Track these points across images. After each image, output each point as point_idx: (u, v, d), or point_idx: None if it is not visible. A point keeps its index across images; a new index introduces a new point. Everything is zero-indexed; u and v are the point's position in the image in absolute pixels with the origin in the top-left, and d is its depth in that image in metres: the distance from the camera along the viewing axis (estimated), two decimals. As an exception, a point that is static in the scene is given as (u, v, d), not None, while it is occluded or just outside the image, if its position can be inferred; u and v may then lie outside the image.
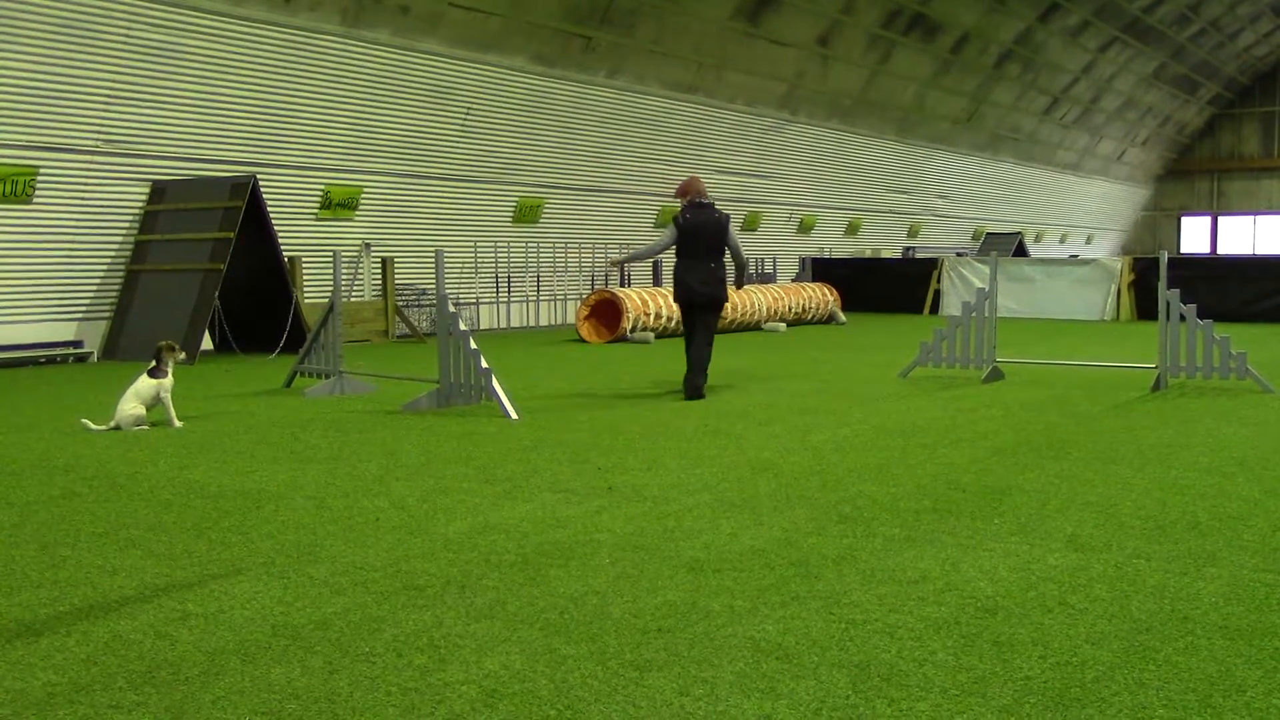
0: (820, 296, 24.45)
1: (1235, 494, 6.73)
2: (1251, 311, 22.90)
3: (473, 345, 10.33)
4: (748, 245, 30.72)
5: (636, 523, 6.06)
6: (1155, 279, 13.37)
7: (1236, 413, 10.24)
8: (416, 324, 20.78)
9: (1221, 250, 52.98)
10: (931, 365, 13.22)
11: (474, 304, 22.77)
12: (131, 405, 9.59)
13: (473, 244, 22.75)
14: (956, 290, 26.44)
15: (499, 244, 23.41)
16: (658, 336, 19.84)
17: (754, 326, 22.38)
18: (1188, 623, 4.39)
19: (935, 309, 27.07)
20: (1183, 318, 12.02)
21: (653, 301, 19.93)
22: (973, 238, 40.78)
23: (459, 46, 21.24)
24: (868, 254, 33.67)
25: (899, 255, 34.75)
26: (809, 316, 24.06)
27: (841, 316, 24.77)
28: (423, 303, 21.56)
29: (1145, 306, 23.97)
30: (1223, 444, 8.57)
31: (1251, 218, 52.78)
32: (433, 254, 21.16)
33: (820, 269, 28.79)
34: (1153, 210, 55.02)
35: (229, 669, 3.97)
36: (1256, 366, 12.20)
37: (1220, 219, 54.10)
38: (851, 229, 34.86)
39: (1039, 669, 3.92)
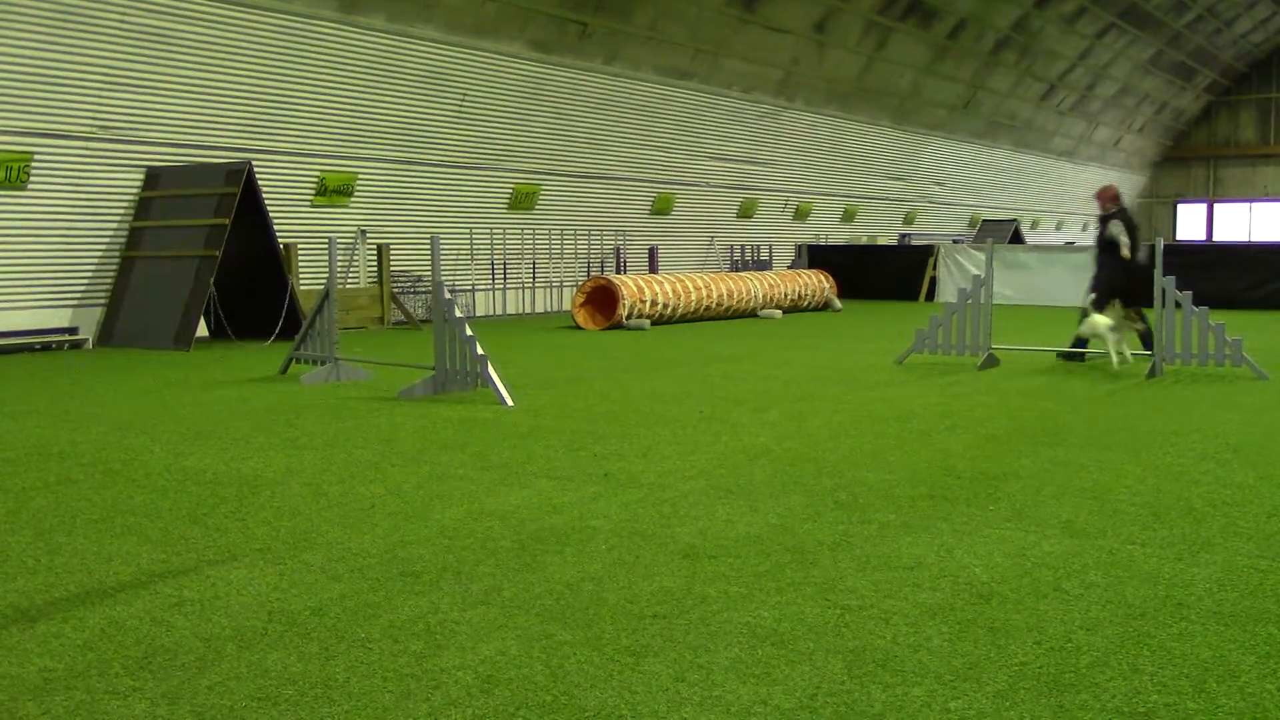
0: (816, 283, 24.45)
1: (1230, 480, 6.75)
2: (1247, 298, 22.90)
3: (468, 332, 10.33)
4: (744, 233, 30.70)
5: (632, 509, 6.07)
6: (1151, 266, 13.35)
7: (1231, 399, 10.26)
8: (412, 310, 20.76)
9: (1217, 237, 52.97)
10: (928, 352, 13.23)
11: (470, 291, 22.73)
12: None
13: (468, 230, 22.71)
14: (953, 277, 26.44)
15: (495, 230, 23.37)
16: (654, 323, 19.83)
17: (750, 313, 22.38)
18: (1182, 608, 4.41)
19: (931, 296, 27.07)
20: (1178, 305, 12.03)
21: (649, 288, 19.92)
22: (969, 224, 40.76)
23: (454, 33, 21.17)
24: (864, 241, 33.65)
25: (895, 242, 34.73)
26: (805, 303, 24.05)
27: (838, 303, 24.77)
28: (418, 289, 21.54)
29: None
30: (1218, 430, 8.58)
31: (1247, 205, 52.77)
32: (428, 240, 21.14)
33: (816, 256, 28.77)
34: (1149, 197, 54.99)
35: (225, 655, 3.97)
36: (1251, 353, 12.21)
37: (1216, 206, 54.11)
38: (848, 216, 34.84)
39: (1034, 655, 3.93)
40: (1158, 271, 12.19)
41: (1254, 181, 52.01)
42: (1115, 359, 11.93)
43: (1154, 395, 10.58)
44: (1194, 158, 53.06)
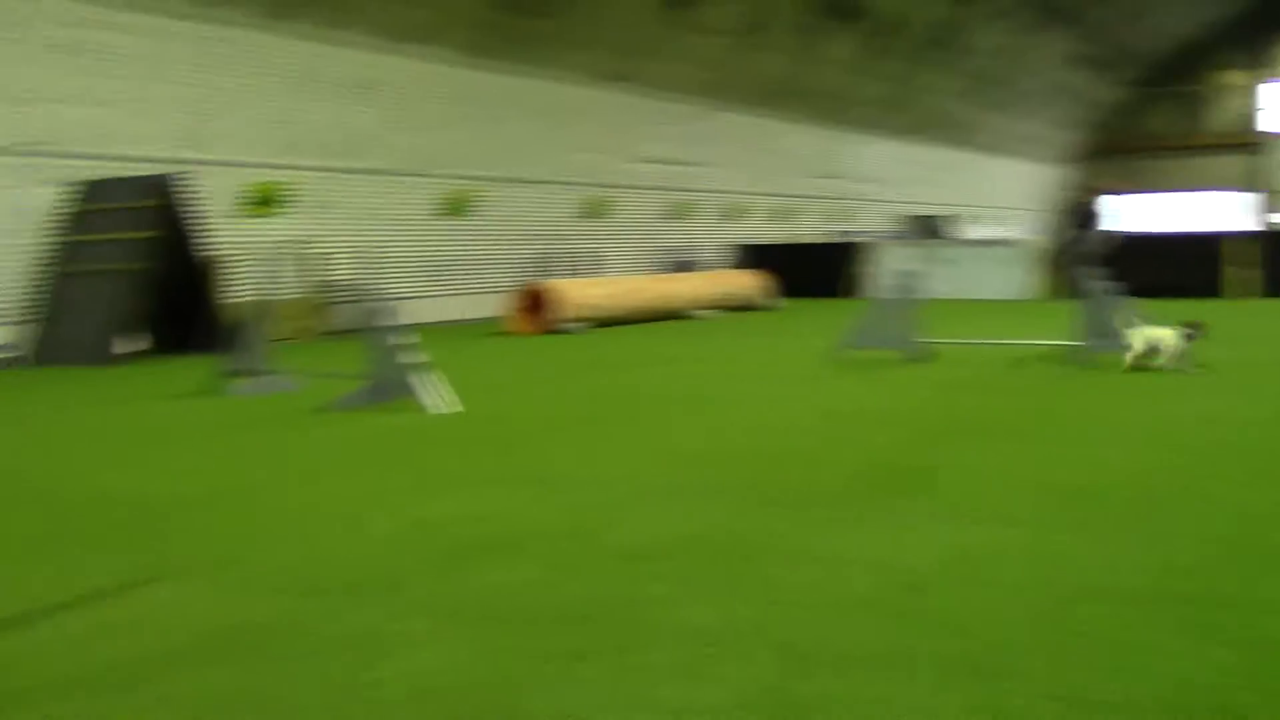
0: (751, 283, 24.58)
1: (1151, 466, 6.88)
2: (1170, 288, 23.32)
3: (402, 340, 10.27)
4: (679, 234, 30.77)
5: (568, 513, 6.07)
6: (1070, 258, 13.61)
7: (1147, 385, 10.46)
8: (346, 320, 20.58)
9: (1140, 228, 53.82)
10: (860, 347, 13.35)
11: (404, 298, 22.57)
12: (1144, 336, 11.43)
13: (402, 237, 22.58)
14: (884, 273, 26.70)
15: (429, 237, 23.25)
16: (590, 327, 19.82)
17: (686, 314, 22.44)
18: (1107, 592, 4.49)
19: (863, 292, 27.32)
20: (1102, 295, 12.25)
21: (584, 292, 19.92)
22: (899, 221, 41.18)
23: (385, 38, 21.04)
24: (798, 239, 33.88)
25: (828, 240, 35.02)
26: (740, 303, 24.17)
27: (772, 302, 24.92)
28: (352, 298, 21.36)
29: (1067, 285, 24.34)
30: (1138, 417, 8.76)
31: (1170, 195, 53.72)
32: (362, 249, 20.96)
33: (751, 255, 28.93)
34: (1074, 190, 55.86)
35: (152, 677, 3.91)
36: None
37: (1140, 197, 55.06)
38: (781, 215, 35.06)
39: (964, 644, 3.99)
40: (1080, 264, 12.41)
41: (1176, 173, 52.97)
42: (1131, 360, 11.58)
43: (1078, 385, 10.76)
44: (1117, 150, 53.93)
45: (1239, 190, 50.99)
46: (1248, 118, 51.07)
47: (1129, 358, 11.46)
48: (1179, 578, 4.65)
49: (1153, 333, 11.55)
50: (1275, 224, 45.31)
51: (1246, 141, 50.91)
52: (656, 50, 27.36)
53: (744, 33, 29.51)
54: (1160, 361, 11.40)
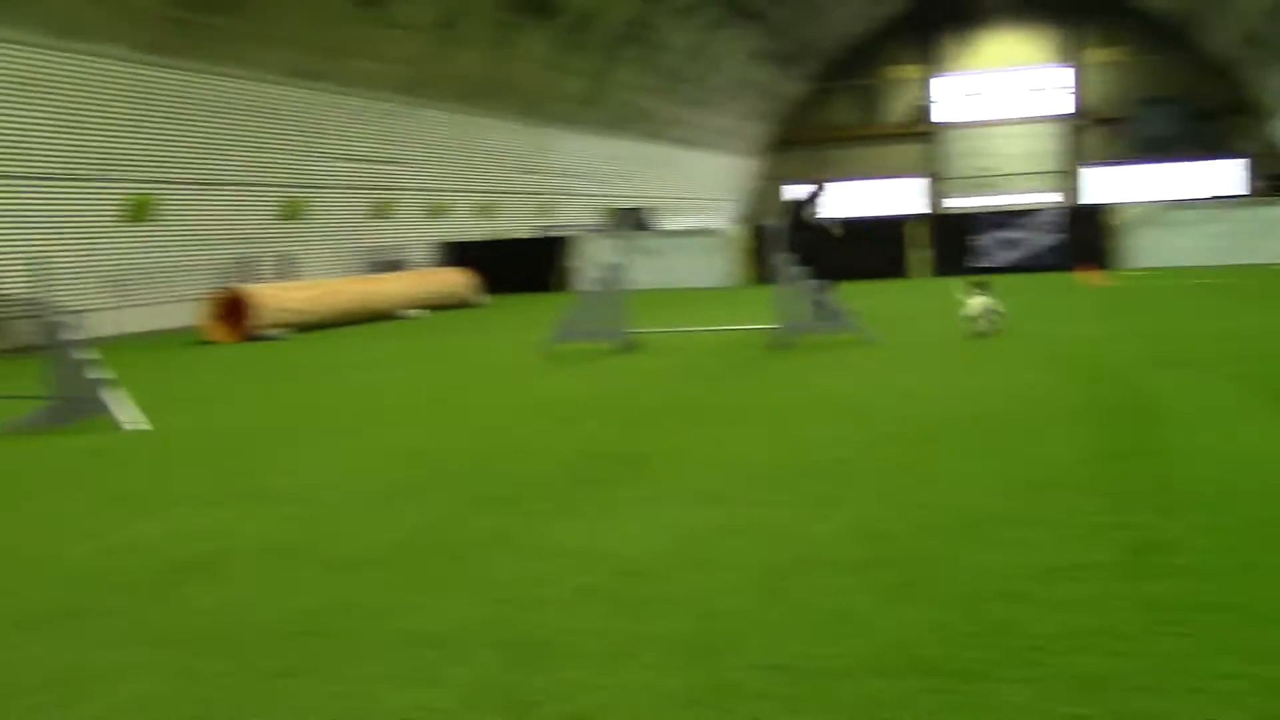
0: (458, 281, 24.42)
1: (856, 441, 7.26)
2: (859, 270, 24.69)
3: (86, 355, 9.61)
4: (382, 234, 30.25)
5: (278, 526, 5.84)
6: (769, 245, 14.22)
7: (845, 364, 11.06)
8: (19, 337, 19.12)
9: (828, 215, 56.66)
10: (569, 340, 13.48)
11: (87, 311, 21.18)
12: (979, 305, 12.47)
13: (81, 246, 21.15)
14: (589, 266, 27.10)
15: (111, 245, 21.88)
16: (292, 332, 19.18)
17: (392, 314, 22.07)
18: (812, 563, 4.70)
19: (569, 286, 27.64)
20: (796, 280, 12.83)
21: (285, 296, 19.26)
22: (602, 214, 41.89)
23: (54, 35, 19.62)
24: (502, 236, 33.90)
25: (532, 235, 35.24)
26: (448, 301, 23.98)
27: (479, 299, 24.84)
28: (28, 313, 19.86)
29: (764, 271, 25.40)
30: (833, 394, 9.24)
31: (854, 183, 56.90)
32: (35, 260, 19.52)
33: (456, 253, 28.75)
34: (766, 180, 58.35)
35: None
36: (862, 320, 13.19)
37: (824, 186, 58.03)
38: (484, 211, 34.99)
39: (682, 624, 4.08)
40: (774, 250, 12.96)
41: (857, 161, 56.12)
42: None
43: (778, 366, 11.24)
44: (804, 141, 56.64)
45: (915, 176, 54.68)
46: (919, 109, 54.81)
47: (977, 326, 12.48)
48: (882, 545, 4.92)
49: (984, 301, 12.61)
50: (946, 208, 48.78)
51: (919, 131, 54.67)
52: (350, 47, 26.73)
53: (439, 28, 29.26)
54: (988, 325, 12.46)
